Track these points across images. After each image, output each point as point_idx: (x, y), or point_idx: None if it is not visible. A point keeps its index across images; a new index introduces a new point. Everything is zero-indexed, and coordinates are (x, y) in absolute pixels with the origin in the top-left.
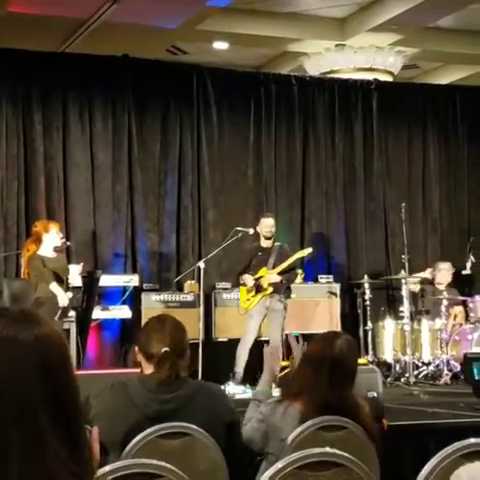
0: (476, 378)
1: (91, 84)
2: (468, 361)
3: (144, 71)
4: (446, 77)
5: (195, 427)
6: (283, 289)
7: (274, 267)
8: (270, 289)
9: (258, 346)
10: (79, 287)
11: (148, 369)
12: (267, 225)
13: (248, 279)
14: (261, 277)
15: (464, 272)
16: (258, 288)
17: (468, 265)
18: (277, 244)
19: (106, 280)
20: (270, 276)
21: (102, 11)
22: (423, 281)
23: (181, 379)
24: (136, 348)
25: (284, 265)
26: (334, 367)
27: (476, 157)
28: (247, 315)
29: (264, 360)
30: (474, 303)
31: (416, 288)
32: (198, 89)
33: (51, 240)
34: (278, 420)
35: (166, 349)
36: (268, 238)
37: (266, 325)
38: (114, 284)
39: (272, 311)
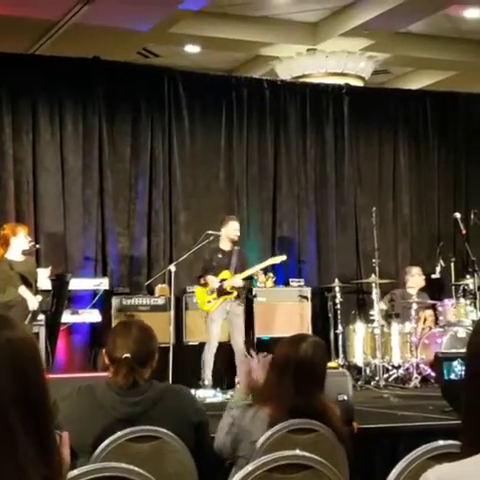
0: (446, 378)
1: (61, 87)
2: (439, 361)
3: (115, 74)
4: (417, 82)
5: (165, 430)
6: (244, 294)
7: (236, 271)
8: (235, 293)
9: (223, 350)
10: (48, 290)
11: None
12: (235, 229)
13: (213, 281)
14: (224, 280)
15: (434, 276)
16: (220, 291)
17: (437, 269)
18: (237, 248)
19: (76, 283)
20: (235, 280)
21: (73, 13)
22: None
23: (148, 382)
24: (103, 351)
25: (252, 271)
26: (299, 371)
27: (446, 162)
28: (208, 318)
29: (238, 369)
30: (443, 307)
31: (384, 306)
32: (169, 92)
33: (19, 243)
34: (248, 423)
35: (126, 355)
36: (234, 242)
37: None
38: (84, 287)
39: (234, 316)
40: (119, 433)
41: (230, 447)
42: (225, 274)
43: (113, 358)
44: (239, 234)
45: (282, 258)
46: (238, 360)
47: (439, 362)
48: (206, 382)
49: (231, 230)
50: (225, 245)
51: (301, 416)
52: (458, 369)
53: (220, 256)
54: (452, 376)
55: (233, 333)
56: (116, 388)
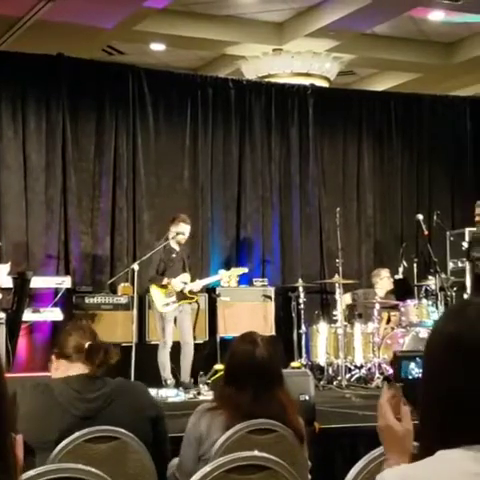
0: (403, 377)
1: (25, 83)
2: (398, 360)
3: (79, 71)
4: (382, 84)
5: (124, 431)
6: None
7: (184, 270)
8: (195, 298)
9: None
10: (9, 288)
11: (71, 370)
12: (184, 231)
13: (178, 284)
14: (184, 283)
15: (396, 277)
16: (181, 295)
17: (400, 270)
18: (183, 246)
19: (38, 282)
20: (196, 285)
21: (37, 9)
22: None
23: (103, 379)
24: (53, 356)
25: (212, 279)
26: (258, 378)
27: (410, 164)
28: (163, 318)
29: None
30: (406, 307)
31: (349, 301)
32: (134, 90)
33: None
34: (205, 426)
35: (90, 343)
36: (181, 244)
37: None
38: (46, 286)
39: (185, 313)
40: (77, 433)
41: (191, 452)
42: (185, 277)
43: (76, 350)
44: (186, 238)
45: (244, 270)
46: (186, 358)
47: (398, 361)
48: (168, 382)
49: (185, 231)
50: (175, 245)
51: (260, 418)
52: (416, 370)
53: (174, 256)
54: (410, 376)
55: (184, 329)
56: (74, 385)
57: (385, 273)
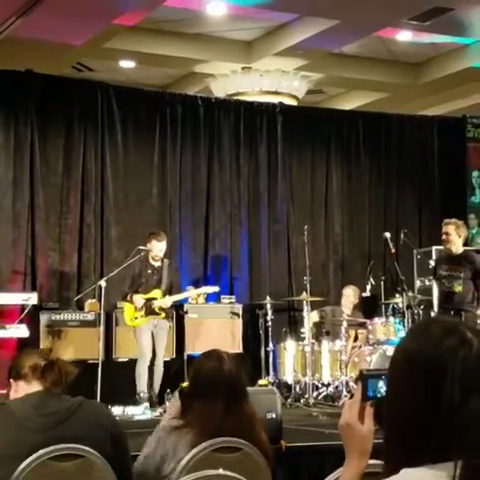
0: (370, 395)
1: None
2: (364, 378)
3: (48, 87)
4: (350, 103)
5: (88, 448)
6: (171, 312)
7: (167, 287)
8: (163, 314)
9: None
10: None
11: (30, 390)
12: (157, 248)
13: (138, 301)
14: (153, 299)
15: (364, 294)
16: (149, 310)
17: (368, 287)
18: (166, 261)
19: (4, 298)
20: (165, 301)
21: (6, 25)
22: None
23: (60, 395)
24: (11, 380)
25: (182, 296)
26: (228, 394)
27: (377, 182)
28: (137, 332)
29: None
30: (373, 325)
31: (316, 318)
32: (103, 107)
33: None
34: (171, 447)
35: (44, 361)
36: (157, 260)
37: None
38: (12, 302)
39: (160, 329)
40: (41, 451)
41: (154, 470)
42: (156, 293)
43: (31, 368)
44: (161, 255)
45: (215, 289)
46: (157, 374)
47: (364, 379)
48: (142, 395)
49: (153, 249)
50: (153, 261)
51: (228, 435)
52: (382, 388)
53: (149, 271)
54: (378, 394)
55: (158, 346)
56: (30, 401)
57: (348, 291)
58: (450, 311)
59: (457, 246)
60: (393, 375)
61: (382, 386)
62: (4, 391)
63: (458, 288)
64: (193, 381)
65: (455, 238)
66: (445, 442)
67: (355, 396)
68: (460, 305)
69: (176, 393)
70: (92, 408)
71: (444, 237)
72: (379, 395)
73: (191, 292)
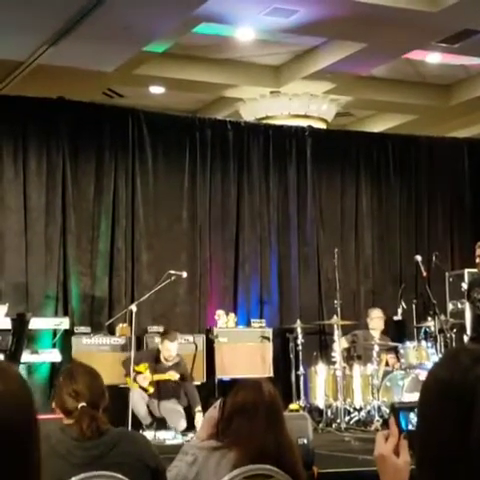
0: (404, 428)
1: (26, 126)
2: (395, 411)
3: (79, 113)
4: (379, 125)
5: (121, 476)
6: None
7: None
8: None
9: None
10: (8, 330)
11: (68, 420)
12: (167, 349)
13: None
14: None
15: (395, 318)
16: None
17: (399, 311)
18: (177, 358)
19: (36, 323)
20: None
21: (38, 53)
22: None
23: (106, 425)
24: (53, 404)
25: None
26: (269, 411)
27: (408, 205)
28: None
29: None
30: (405, 349)
31: (346, 344)
32: (133, 132)
33: None
34: (212, 467)
35: (82, 404)
36: (170, 360)
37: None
38: (44, 327)
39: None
40: (73, 479)
41: None
42: (142, 367)
43: (67, 411)
44: (174, 355)
45: (176, 377)
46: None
47: (396, 412)
48: (151, 426)
49: (163, 349)
50: (165, 361)
51: (269, 457)
52: (414, 419)
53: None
54: (410, 426)
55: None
56: (72, 433)
57: (376, 313)
58: None
59: None
60: (423, 403)
61: (413, 417)
62: (52, 416)
63: None
64: (232, 402)
65: None
66: (474, 474)
67: (390, 428)
68: None
69: (217, 403)
70: (133, 441)
71: (478, 260)
72: (411, 427)
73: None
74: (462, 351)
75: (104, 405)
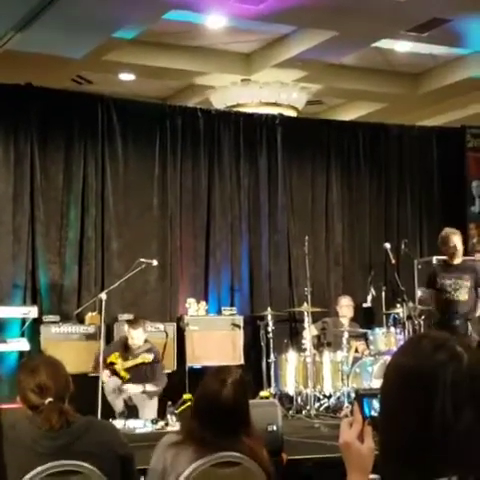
0: (368, 415)
1: None
2: (359, 398)
3: (48, 100)
4: (349, 113)
5: (87, 465)
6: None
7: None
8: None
9: None
10: None
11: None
12: (132, 337)
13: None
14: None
15: (365, 305)
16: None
17: (369, 298)
18: (146, 346)
19: (4, 311)
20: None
21: (6, 40)
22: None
23: (73, 416)
24: (18, 398)
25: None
26: (221, 418)
27: (378, 193)
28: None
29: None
30: (374, 336)
31: (316, 331)
32: (103, 120)
33: None
34: (170, 460)
35: (49, 400)
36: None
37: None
38: (12, 316)
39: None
40: (39, 468)
41: None
42: (113, 357)
43: (33, 406)
44: (140, 343)
45: (149, 358)
46: None
47: (359, 399)
48: (123, 414)
49: (129, 337)
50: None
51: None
52: (377, 406)
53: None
54: (373, 412)
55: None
56: (39, 423)
57: (344, 301)
58: (456, 320)
59: (460, 256)
60: (385, 390)
61: (377, 404)
62: (4, 406)
63: (464, 297)
64: (195, 398)
65: (461, 249)
66: (439, 458)
67: (354, 415)
68: (466, 313)
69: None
70: (100, 429)
71: (453, 251)
72: (375, 413)
73: (137, 360)
74: (424, 338)
75: (69, 394)
